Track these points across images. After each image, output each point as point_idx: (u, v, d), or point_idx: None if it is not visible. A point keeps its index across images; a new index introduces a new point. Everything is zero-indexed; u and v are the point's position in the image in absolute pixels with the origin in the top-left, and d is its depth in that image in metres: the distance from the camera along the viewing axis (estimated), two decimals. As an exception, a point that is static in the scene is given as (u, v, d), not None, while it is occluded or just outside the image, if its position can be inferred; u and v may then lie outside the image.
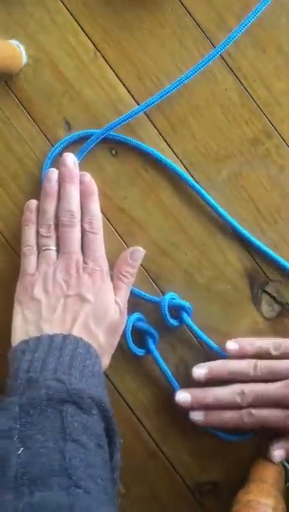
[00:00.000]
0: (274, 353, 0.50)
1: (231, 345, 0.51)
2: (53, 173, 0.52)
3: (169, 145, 0.53)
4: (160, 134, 0.53)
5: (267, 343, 0.51)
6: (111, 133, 0.52)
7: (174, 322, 0.52)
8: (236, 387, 0.50)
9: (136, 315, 0.53)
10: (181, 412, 0.52)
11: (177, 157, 0.53)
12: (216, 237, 0.53)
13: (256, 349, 0.51)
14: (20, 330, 0.49)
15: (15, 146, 0.54)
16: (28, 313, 0.49)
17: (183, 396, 0.51)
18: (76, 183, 0.52)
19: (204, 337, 0.52)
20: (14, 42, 0.52)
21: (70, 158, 0.52)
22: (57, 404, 0.40)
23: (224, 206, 0.53)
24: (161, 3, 0.51)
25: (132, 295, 0.53)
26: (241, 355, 0.51)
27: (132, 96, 0.53)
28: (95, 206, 0.52)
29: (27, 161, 0.54)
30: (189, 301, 0.53)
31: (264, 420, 0.49)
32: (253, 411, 0.49)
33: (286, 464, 0.54)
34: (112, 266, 0.52)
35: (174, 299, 0.53)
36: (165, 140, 0.53)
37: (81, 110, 0.53)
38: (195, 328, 0.52)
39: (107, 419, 0.43)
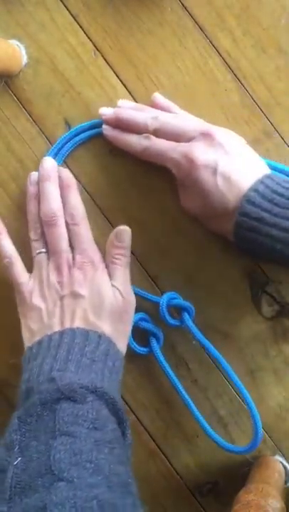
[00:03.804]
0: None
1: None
2: (34, 176, 0.52)
3: (169, 145, 0.53)
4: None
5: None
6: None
7: (173, 322, 0.52)
8: (153, 112, 0.50)
9: (139, 314, 0.53)
10: (182, 412, 0.52)
11: (177, 157, 0.53)
12: (216, 237, 0.53)
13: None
14: (28, 341, 0.49)
15: (15, 146, 0.54)
16: (32, 324, 0.49)
17: (106, 109, 0.52)
18: (54, 181, 0.51)
19: (204, 340, 0.52)
20: (14, 42, 0.52)
21: (48, 161, 0.52)
22: (51, 405, 0.41)
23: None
24: (161, 3, 0.51)
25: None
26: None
27: (132, 96, 0.53)
28: (74, 197, 0.52)
29: (27, 161, 0.54)
30: (189, 301, 0.53)
31: (160, 150, 0.49)
32: (152, 136, 0.49)
33: (286, 464, 0.54)
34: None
35: (175, 298, 0.53)
36: (165, 140, 0.53)
37: (81, 110, 0.53)
38: (195, 330, 0.52)
39: (108, 401, 0.43)
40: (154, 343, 0.53)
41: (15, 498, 0.35)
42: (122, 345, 0.49)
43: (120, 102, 0.52)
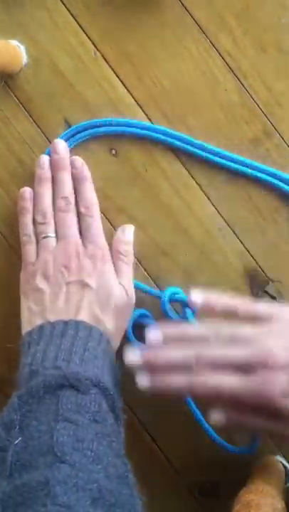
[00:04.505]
0: (241, 314, 0.44)
1: (197, 295, 0.45)
2: (45, 159, 0.52)
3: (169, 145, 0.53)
4: (160, 134, 0.53)
5: (236, 301, 0.45)
6: (112, 128, 0.52)
7: (174, 316, 0.50)
8: (191, 348, 0.43)
9: (139, 311, 0.52)
10: (182, 412, 0.52)
11: (177, 157, 0.53)
12: (216, 237, 0.53)
13: (223, 307, 0.45)
14: (28, 323, 0.49)
15: (15, 146, 0.54)
16: (33, 305, 0.49)
17: (132, 355, 0.44)
18: (68, 170, 0.52)
19: None
20: (14, 42, 0.52)
21: (61, 145, 0.52)
22: (55, 390, 0.41)
23: (224, 206, 0.53)
24: (161, 3, 0.51)
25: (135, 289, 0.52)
26: (204, 311, 0.45)
27: (132, 96, 0.53)
28: (90, 190, 0.52)
29: (27, 161, 0.54)
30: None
31: (216, 388, 0.41)
32: (206, 377, 0.42)
33: (286, 464, 0.54)
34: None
35: (177, 293, 0.52)
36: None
37: (81, 110, 0.53)
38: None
39: (108, 397, 0.43)
40: None
41: (15, 474, 0.36)
42: (116, 343, 0.50)
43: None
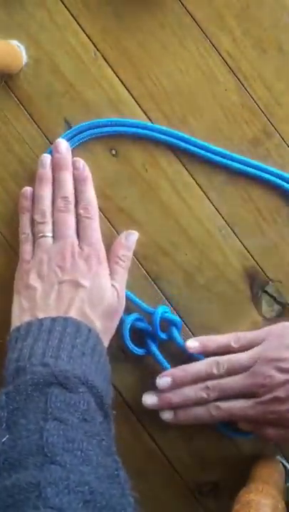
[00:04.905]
0: (234, 346, 0.50)
1: (192, 343, 0.51)
2: (47, 159, 0.52)
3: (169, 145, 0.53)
4: (160, 134, 0.53)
5: (227, 337, 0.51)
6: (113, 128, 0.52)
7: (163, 336, 0.52)
8: (201, 384, 0.50)
9: (134, 315, 0.53)
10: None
11: (177, 157, 0.53)
12: (216, 237, 0.53)
13: (217, 345, 0.51)
14: (17, 319, 0.49)
15: (15, 146, 0.54)
16: (24, 301, 0.49)
17: (150, 399, 0.52)
18: (70, 170, 0.52)
19: (194, 355, 0.52)
20: (14, 42, 0.52)
21: (63, 145, 0.52)
22: (43, 387, 0.41)
23: (224, 206, 0.53)
24: (162, 4, 0.51)
25: (128, 300, 0.52)
26: (203, 353, 0.51)
27: (132, 96, 0.53)
28: (90, 192, 0.52)
29: (27, 161, 0.54)
30: (189, 301, 0.53)
31: (230, 412, 0.49)
32: (220, 404, 0.49)
33: (286, 464, 0.54)
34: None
35: (166, 312, 0.53)
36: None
37: (81, 110, 0.53)
38: (182, 344, 0.52)
39: (96, 395, 0.43)
40: (150, 343, 0.53)
41: (3, 474, 0.35)
42: (105, 343, 0.50)
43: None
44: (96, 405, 0.43)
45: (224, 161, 0.52)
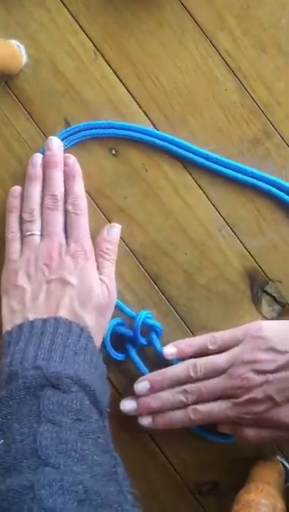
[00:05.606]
0: (211, 347, 0.50)
1: (169, 349, 0.51)
2: (38, 158, 0.52)
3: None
4: (160, 134, 0.53)
5: (204, 339, 0.51)
6: (112, 131, 0.53)
7: (142, 341, 0.52)
8: (179, 387, 0.50)
9: (116, 319, 0.53)
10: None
11: (177, 158, 0.53)
12: (216, 237, 0.53)
13: (194, 348, 0.51)
14: (8, 322, 0.49)
15: (15, 146, 0.54)
16: (13, 303, 0.49)
17: (128, 404, 0.52)
18: (60, 168, 0.52)
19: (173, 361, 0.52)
20: (14, 42, 0.52)
21: (55, 142, 0.52)
22: (36, 390, 0.41)
23: (224, 206, 0.53)
24: (161, 3, 0.51)
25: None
26: (181, 358, 0.51)
27: (132, 96, 0.53)
28: (79, 187, 0.52)
29: (27, 161, 0.54)
30: (189, 301, 0.53)
31: (209, 414, 0.49)
32: (198, 407, 0.49)
33: (286, 464, 0.54)
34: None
35: (148, 317, 0.53)
36: (165, 140, 0.53)
37: (81, 110, 0.53)
38: (160, 350, 0.52)
39: (90, 393, 0.43)
40: (130, 348, 0.53)
41: None
42: (98, 339, 0.50)
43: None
44: (90, 403, 0.43)
45: (225, 170, 0.52)
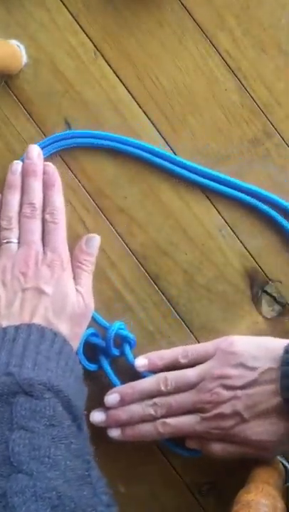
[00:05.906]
0: (183, 361, 0.50)
1: (140, 361, 0.52)
2: (17, 166, 0.52)
3: (168, 145, 0.53)
4: (160, 134, 0.53)
5: (176, 352, 0.51)
6: (112, 133, 0.53)
7: (115, 352, 0.52)
8: (148, 401, 0.50)
9: (90, 330, 0.52)
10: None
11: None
12: (215, 237, 0.53)
13: (166, 361, 0.51)
14: None
15: (15, 146, 0.54)
16: None
17: (98, 416, 0.52)
18: (39, 177, 0.51)
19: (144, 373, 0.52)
20: (14, 42, 0.52)
21: (35, 151, 0.52)
22: (8, 397, 0.41)
23: (224, 206, 0.53)
24: (161, 3, 0.51)
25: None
26: (152, 370, 0.51)
27: (132, 96, 0.53)
28: (57, 197, 0.52)
29: (27, 161, 0.54)
30: (189, 301, 0.53)
31: (177, 428, 0.49)
32: (167, 420, 0.49)
33: (286, 464, 0.54)
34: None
35: (121, 328, 0.52)
36: (165, 140, 0.53)
37: (81, 110, 0.53)
38: (133, 362, 0.52)
39: (63, 399, 0.43)
40: (103, 359, 0.53)
41: None
42: (74, 346, 0.50)
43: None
44: (63, 409, 0.43)
45: (223, 188, 0.52)
